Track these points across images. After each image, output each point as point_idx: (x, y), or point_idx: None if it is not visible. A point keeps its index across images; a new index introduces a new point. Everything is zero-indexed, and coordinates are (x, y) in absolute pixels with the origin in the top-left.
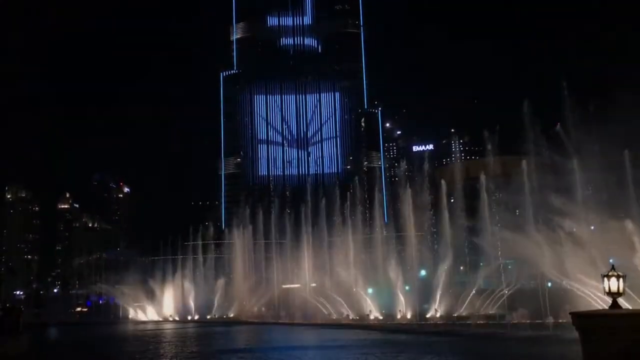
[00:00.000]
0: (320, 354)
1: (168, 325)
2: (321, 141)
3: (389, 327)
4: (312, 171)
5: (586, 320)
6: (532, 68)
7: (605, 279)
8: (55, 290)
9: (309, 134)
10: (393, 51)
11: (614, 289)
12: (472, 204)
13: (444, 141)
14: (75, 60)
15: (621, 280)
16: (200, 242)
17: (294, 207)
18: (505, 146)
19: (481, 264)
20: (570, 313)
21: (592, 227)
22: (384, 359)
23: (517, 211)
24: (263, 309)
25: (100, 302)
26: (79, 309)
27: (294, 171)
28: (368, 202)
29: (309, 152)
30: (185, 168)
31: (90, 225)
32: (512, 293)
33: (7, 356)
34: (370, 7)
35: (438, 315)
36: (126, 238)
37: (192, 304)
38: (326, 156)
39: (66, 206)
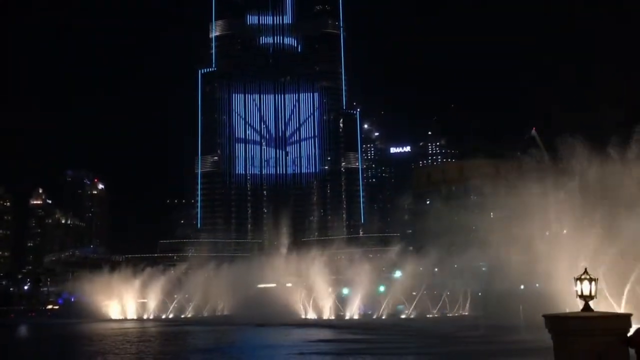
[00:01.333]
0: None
1: (138, 324)
2: (299, 141)
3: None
4: (290, 171)
5: (559, 323)
6: (510, 72)
7: (578, 282)
8: (26, 288)
9: (287, 134)
10: (372, 53)
11: (586, 292)
12: (448, 205)
13: (421, 143)
14: (51, 56)
15: (593, 283)
16: (175, 241)
17: (271, 206)
18: (482, 149)
19: (455, 265)
20: (543, 315)
21: (565, 231)
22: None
23: (492, 213)
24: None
25: (72, 299)
26: (50, 306)
27: (272, 170)
28: (345, 202)
29: (287, 152)
30: (162, 166)
31: (63, 221)
32: (485, 295)
33: None
34: (351, 8)
35: (412, 316)
36: (99, 235)
37: (165, 302)
38: (304, 156)
39: (39, 202)
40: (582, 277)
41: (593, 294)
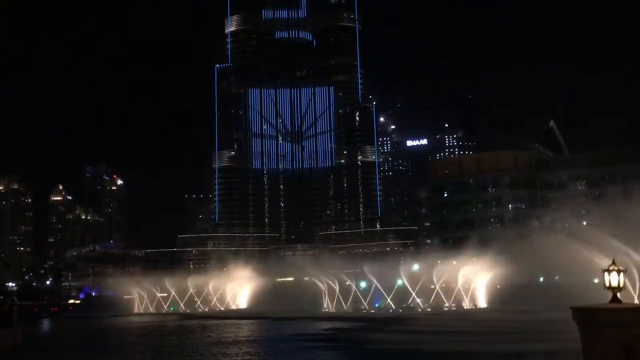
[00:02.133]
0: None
1: (158, 318)
2: (315, 135)
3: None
4: (306, 165)
5: (587, 315)
6: (527, 65)
7: (606, 273)
8: (48, 283)
9: (303, 128)
10: (388, 45)
11: (614, 283)
12: (466, 198)
13: (437, 136)
14: (68, 53)
15: (621, 274)
16: (194, 236)
17: (288, 200)
18: (499, 141)
19: (473, 258)
20: (571, 307)
21: (585, 222)
22: None
23: (510, 206)
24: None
25: (93, 294)
26: (71, 301)
27: (288, 165)
28: (362, 196)
29: (303, 146)
30: (180, 161)
31: (83, 217)
32: (504, 287)
33: None
34: (366, 0)
35: (429, 310)
36: (119, 230)
37: (183, 297)
38: (320, 150)
39: (59, 198)
40: (611, 268)
41: (621, 285)
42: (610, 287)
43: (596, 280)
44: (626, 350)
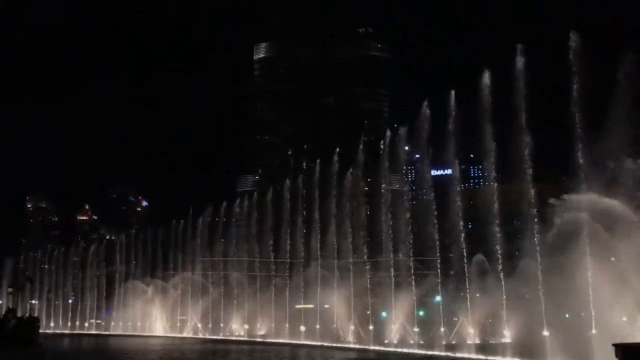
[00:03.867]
0: None
1: (176, 342)
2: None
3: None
4: None
5: (630, 352)
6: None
7: None
8: (70, 301)
9: None
10: (415, 75)
11: None
12: (489, 230)
13: (462, 166)
14: (97, 74)
15: None
16: (215, 259)
17: (310, 227)
18: (524, 172)
19: (497, 291)
20: (613, 344)
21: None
22: None
23: (536, 238)
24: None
25: (114, 315)
26: (92, 320)
27: None
28: (386, 225)
29: None
30: (205, 185)
31: (108, 237)
32: (529, 322)
33: None
34: (395, 29)
35: (454, 342)
36: (143, 252)
37: (203, 321)
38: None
39: (85, 218)
40: None
41: None
42: None
43: (625, 319)
44: None
